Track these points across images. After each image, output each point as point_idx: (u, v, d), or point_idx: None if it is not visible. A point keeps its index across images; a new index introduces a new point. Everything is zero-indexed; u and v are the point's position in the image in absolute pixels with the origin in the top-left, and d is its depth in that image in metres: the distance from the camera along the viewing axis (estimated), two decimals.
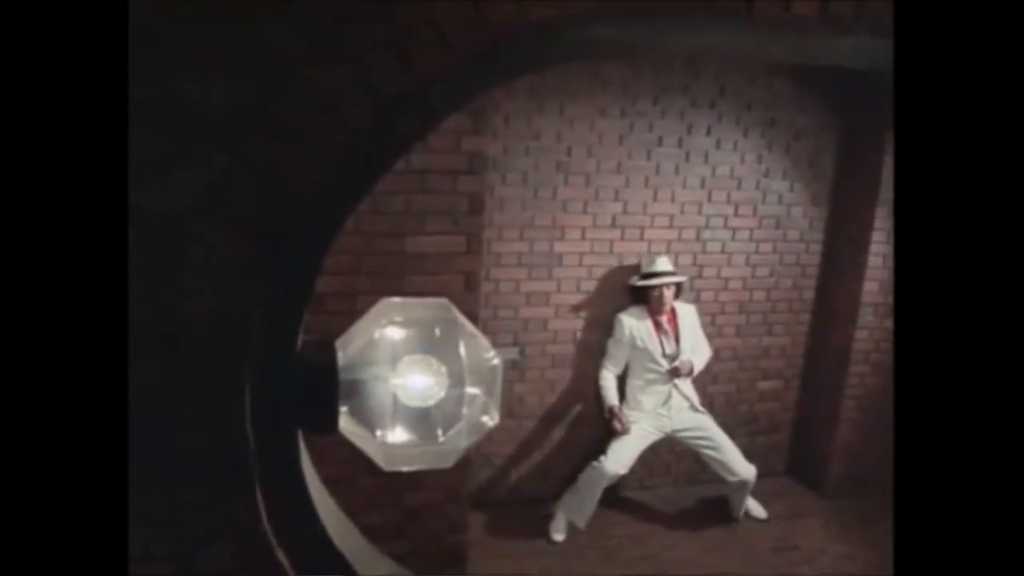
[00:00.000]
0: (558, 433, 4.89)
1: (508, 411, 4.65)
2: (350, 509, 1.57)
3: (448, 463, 1.29)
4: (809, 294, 5.16)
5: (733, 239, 4.91)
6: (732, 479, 4.53)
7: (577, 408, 4.88)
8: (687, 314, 4.68)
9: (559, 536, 4.44)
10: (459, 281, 3.31)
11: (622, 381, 4.69)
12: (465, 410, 1.24)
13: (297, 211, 1.08)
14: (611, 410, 4.53)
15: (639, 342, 4.56)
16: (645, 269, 4.55)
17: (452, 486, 3.53)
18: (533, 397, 4.77)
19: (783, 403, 5.35)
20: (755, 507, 4.80)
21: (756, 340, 5.14)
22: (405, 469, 1.35)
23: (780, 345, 5.21)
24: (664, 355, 4.54)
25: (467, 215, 3.30)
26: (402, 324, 1.31)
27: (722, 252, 4.91)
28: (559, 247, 4.59)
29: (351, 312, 1.60)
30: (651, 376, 4.56)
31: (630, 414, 4.53)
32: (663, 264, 4.55)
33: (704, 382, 5.02)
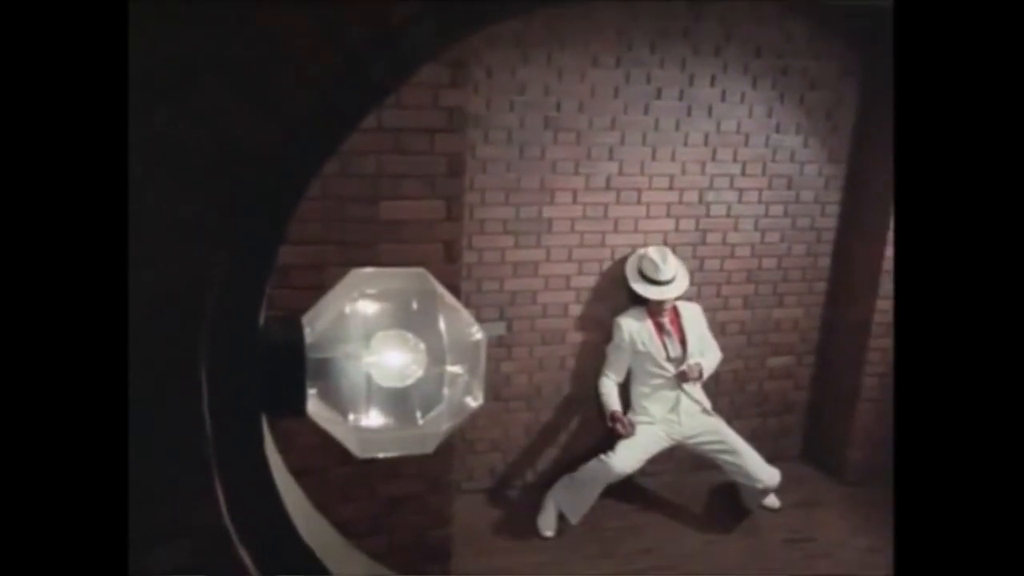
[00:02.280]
0: (548, 416, 4.93)
1: (494, 392, 4.68)
2: (321, 502, 1.58)
3: (428, 449, 1.29)
4: (824, 261, 5.19)
5: (740, 201, 4.92)
6: (755, 485, 4.55)
7: (569, 388, 4.91)
8: (692, 314, 4.73)
9: (549, 532, 4.48)
10: (438, 250, 3.30)
11: (626, 389, 4.75)
12: (446, 390, 1.25)
13: (255, 172, 1.07)
14: (612, 415, 4.58)
15: (640, 346, 4.61)
16: (648, 273, 4.56)
17: (433, 475, 3.55)
18: (521, 377, 4.80)
19: (796, 381, 5.40)
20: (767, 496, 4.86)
21: (766, 312, 5.18)
22: (381, 456, 1.35)
23: (792, 318, 5.25)
24: (668, 359, 4.59)
25: (446, 177, 3.29)
26: (375, 297, 1.31)
27: (728, 216, 4.92)
28: (548, 212, 4.59)
29: (319, 285, 1.59)
30: (657, 382, 4.61)
31: (637, 419, 4.58)
32: (668, 269, 4.55)
33: None
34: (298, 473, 1.48)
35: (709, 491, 4.93)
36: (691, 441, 4.59)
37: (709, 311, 5.00)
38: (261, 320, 1.22)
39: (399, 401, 1.25)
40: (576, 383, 4.91)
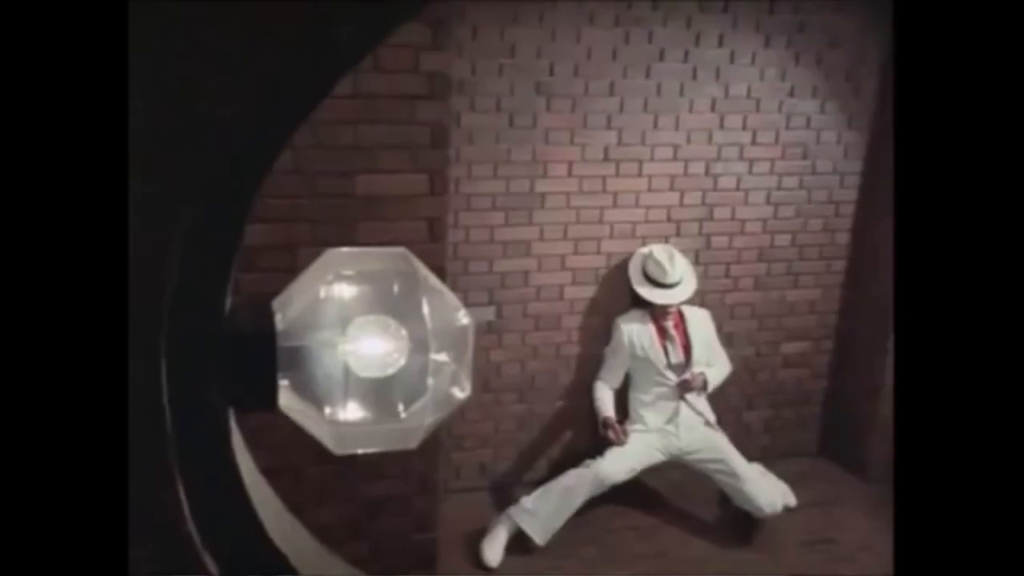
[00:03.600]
0: (543, 408, 4.94)
1: (483, 383, 4.69)
2: (295, 504, 1.58)
3: (412, 444, 1.29)
4: (844, 237, 5.21)
5: (751, 173, 4.92)
6: (756, 512, 4.50)
7: (566, 378, 4.92)
8: (698, 320, 4.75)
9: (493, 562, 4.27)
10: (421, 229, 3.30)
11: (624, 395, 4.77)
12: (430, 381, 1.24)
13: (217, 143, 1.06)
14: (605, 421, 4.62)
15: (640, 351, 4.64)
16: (654, 275, 4.59)
17: (418, 473, 3.56)
18: (513, 366, 4.81)
19: (813, 369, 5.42)
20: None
21: (779, 294, 5.19)
22: (360, 453, 1.35)
23: (809, 300, 5.27)
24: (670, 366, 4.62)
25: (429, 149, 3.28)
26: (353, 279, 1.30)
27: (737, 189, 4.93)
28: (541, 186, 4.58)
29: (290, 268, 1.59)
30: (657, 390, 4.64)
31: (633, 428, 4.62)
32: (675, 271, 4.57)
33: None
34: (269, 473, 1.48)
35: (720, 488, 4.93)
36: (689, 457, 4.61)
37: (717, 293, 5.02)
38: (227, 306, 1.22)
39: (379, 393, 1.25)
40: (572, 372, 4.92)
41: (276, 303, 1.24)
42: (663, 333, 4.65)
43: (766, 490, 4.51)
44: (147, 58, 0.98)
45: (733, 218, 4.98)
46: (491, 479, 4.98)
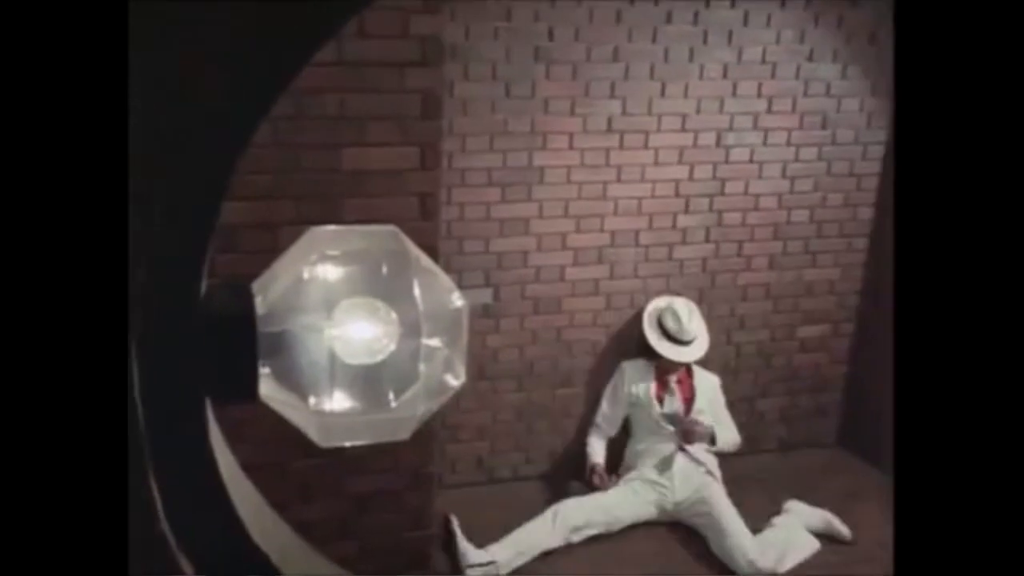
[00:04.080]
0: (543, 397, 4.95)
1: (479, 370, 4.70)
2: (279, 502, 1.58)
3: (403, 435, 1.29)
4: (866, 213, 5.21)
5: (765, 144, 4.91)
6: (739, 571, 4.30)
7: (567, 365, 4.92)
8: (707, 383, 4.85)
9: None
10: (412, 205, 3.30)
11: (620, 445, 4.84)
12: (422, 367, 1.24)
13: (190, 114, 1.06)
14: (592, 468, 4.71)
15: (635, 397, 4.75)
16: (670, 328, 4.68)
17: (410, 467, 3.56)
18: (511, 352, 4.81)
19: (832, 354, 5.43)
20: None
21: (796, 274, 5.19)
22: (348, 446, 1.35)
23: (827, 280, 5.27)
24: (663, 414, 4.68)
25: (420, 120, 3.27)
26: (338, 260, 1.30)
27: (751, 161, 4.92)
28: (540, 159, 4.57)
29: (271, 248, 1.59)
30: (653, 439, 4.70)
31: (628, 478, 4.65)
32: (692, 328, 4.69)
33: (729, 328, 5.07)
34: (251, 468, 1.48)
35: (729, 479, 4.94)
36: (680, 508, 4.57)
37: (729, 273, 5.03)
38: (202, 289, 1.21)
39: (368, 381, 1.25)
40: (574, 358, 4.92)
41: (256, 285, 1.24)
42: (664, 385, 4.75)
43: (750, 549, 4.29)
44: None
45: (746, 193, 4.97)
46: (488, 472, 4.99)
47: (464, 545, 4.06)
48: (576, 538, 4.36)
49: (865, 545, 4.49)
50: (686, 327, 4.68)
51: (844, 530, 4.51)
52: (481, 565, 4.02)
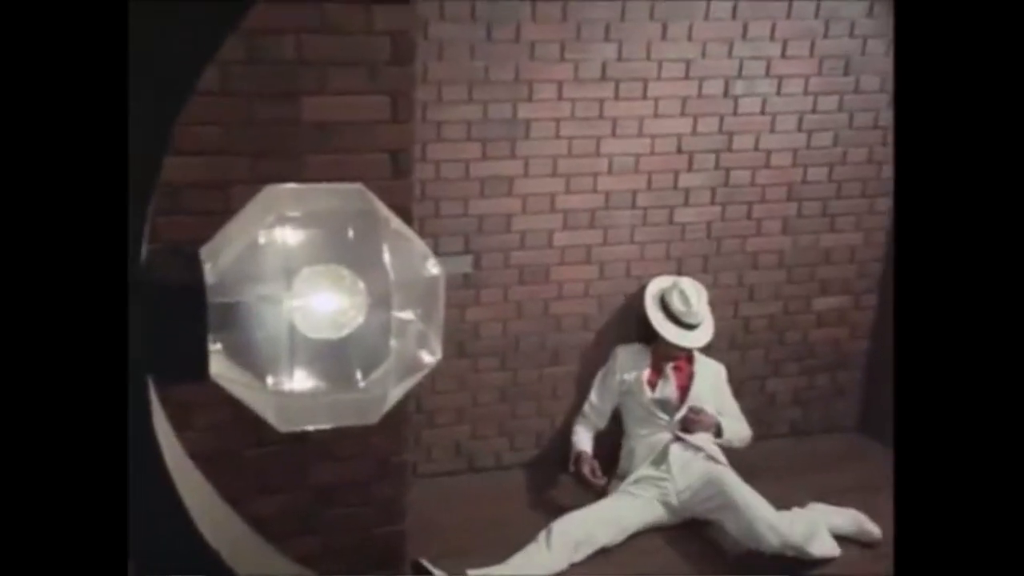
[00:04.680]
0: (529, 376, 4.97)
1: (458, 346, 4.71)
2: (232, 494, 1.58)
3: (372, 419, 1.29)
4: (891, 171, 5.21)
5: (779, 93, 4.92)
6: (768, 550, 4.29)
7: (555, 340, 4.93)
8: (709, 371, 4.89)
9: None
10: (382, 162, 3.28)
11: (615, 442, 4.85)
12: (393, 343, 1.24)
13: (125, 59, 1.05)
14: (577, 456, 4.68)
15: (624, 382, 4.81)
16: (676, 310, 4.72)
17: (381, 455, 3.57)
18: (493, 326, 4.82)
19: (852, 328, 5.47)
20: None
21: (812, 239, 5.21)
22: (311, 430, 1.35)
23: (848, 245, 5.30)
24: (653, 399, 4.72)
25: (390, 65, 3.25)
26: (299, 222, 1.29)
27: (763, 113, 4.93)
28: (525, 111, 4.57)
29: (222, 210, 1.58)
30: (647, 430, 4.73)
31: (624, 485, 4.62)
32: (700, 312, 4.73)
33: (736, 299, 5.09)
34: (201, 457, 1.48)
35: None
36: (689, 500, 4.55)
37: (737, 238, 5.04)
38: (142, 255, 1.20)
39: (332, 358, 1.25)
40: (563, 332, 4.94)
41: (205, 251, 1.23)
42: (658, 371, 4.79)
43: (776, 520, 4.29)
44: None
45: (757, 148, 4.98)
46: (467, 460, 5.01)
47: None
48: (579, 556, 4.29)
49: (885, 538, 4.52)
50: (695, 309, 4.72)
51: (875, 530, 4.49)
52: None
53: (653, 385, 4.76)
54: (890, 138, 5.13)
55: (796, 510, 4.47)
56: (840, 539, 4.39)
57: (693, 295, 4.74)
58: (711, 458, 4.61)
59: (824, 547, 4.29)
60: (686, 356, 4.84)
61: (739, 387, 5.14)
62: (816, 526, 4.34)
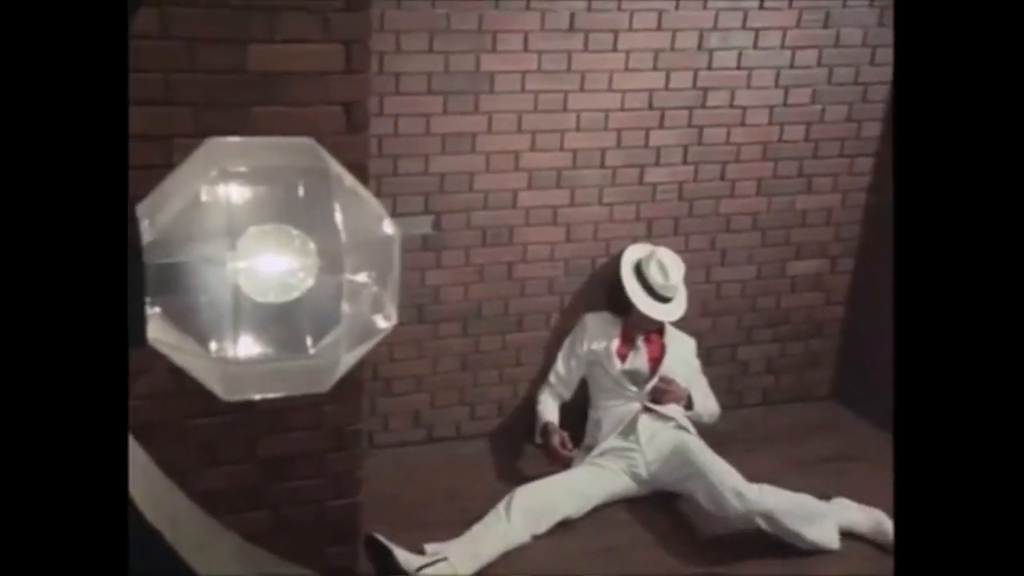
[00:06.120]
0: (492, 343, 4.98)
1: (417, 311, 4.71)
2: (175, 467, 1.57)
3: (323, 386, 1.30)
4: (872, 129, 5.26)
5: (755, 46, 4.92)
6: (732, 514, 4.27)
7: (519, 306, 4.94)
8: (680, 344, 4.92)
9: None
10: (335, 116, 3.26)
11: (579, 413, 4.86)
12: (346, 307, 1.24)
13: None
14: (545, 428, 4.69)
15: (594, 354, 4.83)
16: (653, 281, 4.73)
17: (334, 425, 3.56)
18: (454, 290, 4.82)
19: (828, 294, 5.52)
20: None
21: (788, 200, 5.24)
22: (258, 399, 1.35)
23: (825, 207, 5.33)
24: (623, 370, 4.75)
25: (344, 11, 3.22)
26: (245, 178, 1.29)
27: (738, 68, 4.93)
28: (489, 63, 4.55)
29: (162, 164, 1.56)
30: (614, 402, 4.74)
31: (591, 458, 4.62)
32: (675, 285, 4.77)
33: (708, 263, 5.11)
34: (141, 428, 1.47)
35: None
36: (654, 467, 4.57)
37: (710, 199, 5.06)
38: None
39: (281, 322, 1.25)
40: (528, 298, 4.94)
41: (142, 208, 1.22)
42: (629, 342, 4.82)
43: (742, 485, 4.26)
44: None
45: (732, 105, 4.98)
46: (426, 430, 5.02)
47: (404, 554, 4.05)
48: (541, 528, 4.30)
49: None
50: (673, 282, 4.75)
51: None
52: (431, 564, 4.02)
53: (623, 356, 4.78)
54: (871, 94, 5.16)
55: (811, 498, 4.37)
56: (855, 537, 4.36)
57: (672, 267, 4.76)
58: (681, 428, 4.66)
59: (822, 535, 4.24)
60: (657, 328, 4.86)
61: (710, 354, 5.17)
62: (819, 513, 4.29)
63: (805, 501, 4.31)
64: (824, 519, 4.28)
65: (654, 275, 4.73)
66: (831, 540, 4.26)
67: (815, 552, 4.22)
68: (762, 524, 4.17)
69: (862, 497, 4.56)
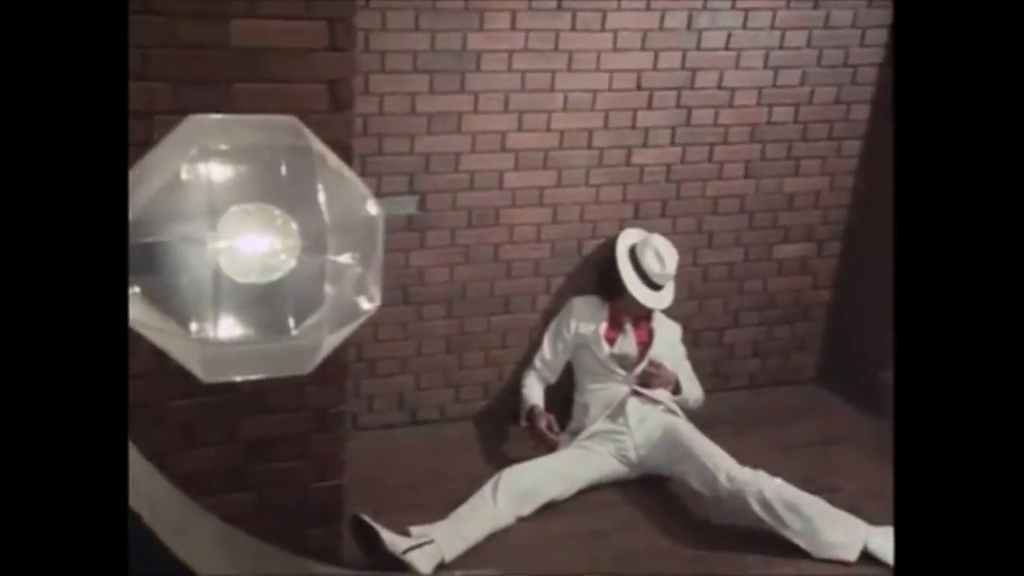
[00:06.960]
0: (478, 325, 4.98)
1: (402, 292, 4.71)
2: (156, 448, 1.57)
3: (305, 368, 1.30)
4: (861, 111, 5.27)
5: (744, 27, 4.91)
6: (723, 494, 4.25)
7: (505, 287, 4.94)
8: (667, 330, 4.94)
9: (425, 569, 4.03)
10: (319, 94, 3.25)
11: (565, 397, 4.88)
12: (329, 288, 1.24)
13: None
14: (531, 411, 4.71)
15: (581, 338, 4.83)
16: (648, 268, 4.72)
17: (317, 406, 3.56)
18: (439, 272, 4.82)
19: (815, 278, 5.54)
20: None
21: (775, 183, 5.25)
22: (239, 380, 1.35)
23: (812, 190, 5.34)
24: (612, 354, 4.75)
25: None
26: (226, 156, 1.29)
27: (727, 49, 4.93)
28: (476, 41, 4.53)
29: (141, 141, 1.55)
30: (602, 385, 4.76)
31: (578, 441, 4.62)
32: (668, 274, 4.76)
33: (695, 246, 5.12)
34: None
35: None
36: (643, 451, 4.59)
37: (697, 181, 5.07)
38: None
39: (263, 303, 1.25)
40: (513, 280, 4.95)
41: None
42: (617, 326, 4.83)
43: (733, 467, 4.26)
44: None
45: (720, 86, 4.98)
46: (411, 412, 5.03)
47: (390, 536, 4.05)
48: (526, 510, 4.30)
49: (850, 495, 4.57)
50: (668, 270, 4.76)
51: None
52: (417, 546, 4.02)
53: (612, 340, 4.79)
54: (860, 76, 5.16)
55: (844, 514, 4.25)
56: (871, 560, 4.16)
57: (666, 254, 4.76)
58: (669, 411, 4.68)
59: (837, 537, 4.13)
60: (646, 313, 4.86)
61: (697, 337, 5.18)
62: (809, 508, 4.17)
63: (818, 502, 4.21)
64: (849, 535, 4.16)
65: (650, 263, 4.72)
66: (847, 553, 4.12)
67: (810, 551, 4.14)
68: (754, 506, 4.13)
69: (849, 481, 4.60)
